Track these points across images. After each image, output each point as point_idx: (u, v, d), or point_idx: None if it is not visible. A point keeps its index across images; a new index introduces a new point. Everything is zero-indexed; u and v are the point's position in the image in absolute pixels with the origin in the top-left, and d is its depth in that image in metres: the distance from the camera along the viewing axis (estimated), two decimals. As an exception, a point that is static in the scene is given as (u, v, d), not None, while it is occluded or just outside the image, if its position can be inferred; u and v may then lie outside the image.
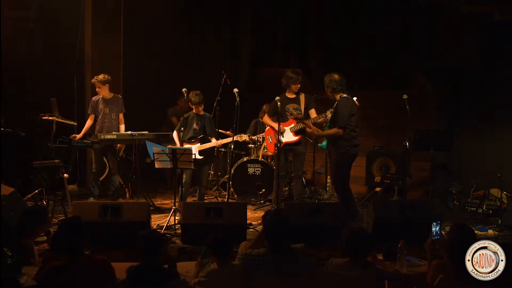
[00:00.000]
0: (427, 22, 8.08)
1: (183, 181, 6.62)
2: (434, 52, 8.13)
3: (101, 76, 7.16)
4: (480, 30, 7.73)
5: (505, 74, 7.48)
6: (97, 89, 7.22)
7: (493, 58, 7.61)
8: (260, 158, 7.63)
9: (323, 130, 6.46)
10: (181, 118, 6.82)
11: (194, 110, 6.75)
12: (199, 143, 6.71)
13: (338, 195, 6.48)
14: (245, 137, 6.95)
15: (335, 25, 8.89)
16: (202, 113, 6.78)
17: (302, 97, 6.87)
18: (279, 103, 6.44)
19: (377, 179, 7.85)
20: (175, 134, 6.84)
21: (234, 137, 6.87)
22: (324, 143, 6.40)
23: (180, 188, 6.49)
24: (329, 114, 6.36)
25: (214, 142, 6.78)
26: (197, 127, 6.74)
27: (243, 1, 9.69)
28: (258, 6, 9.59)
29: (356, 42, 8.74)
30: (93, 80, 7.24)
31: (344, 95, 6.16)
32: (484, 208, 6.83)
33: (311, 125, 6.41)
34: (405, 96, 6.46)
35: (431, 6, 7.88)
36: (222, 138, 7.07)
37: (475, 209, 6.96)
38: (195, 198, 7.11)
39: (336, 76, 6.18)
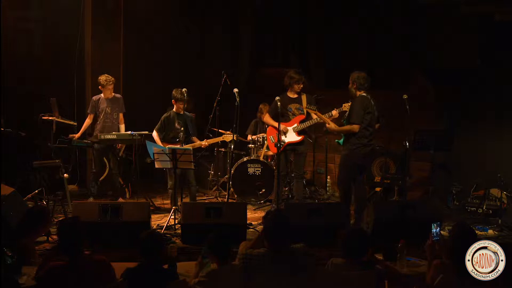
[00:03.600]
0: (427, 22, 8.07)
1: (168, 186, 6.59)
2: (434, 52, 8.12)
3: (111, 77, 7.14)
4: (480, 30, 7.73)
5: (505, 74, 7.48)
6: (105, 89, 7.15)
7: (493, 58, 7.60)
8: (261, 158, 7.62)
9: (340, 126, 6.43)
10: (162, 118, 6.78)
11: (174, 109, 6.73)
12: (182, 144, 6.66)
13: (339, 192, 6.50)
14: (231, 137, 6.90)
15: (335, 25, 8.88)
16: (182, 112, 6.74)
17: (303, 97, 6.88)
18: (279, 103, 6.44)
19: (377, 179, 7.85)
20: (155, 134, 6.78)
21: (222, 137, 6.88)
22: (342, 140, 6.40)
23: (169, 192, 6.45)
24: (345, 108, 6.37)
25: (200, 143, 6.74)
26: (179, 127, 6.70)
27: (243, 1, 9.69)
28: (258, 6, 9.59)
29: (356, 42, 8.73)
30: (102, 82, 7.14)
31: (364, 94, 6.17)
32: (484, 208, 6.83)
33: (329, 120, 6.39)
34: (405, 96, 6.46)
35: (431, 6, 7.88)
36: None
37: (475, 209, 6.97)
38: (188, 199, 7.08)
39: (364, 74, 6.20)
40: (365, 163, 6.31)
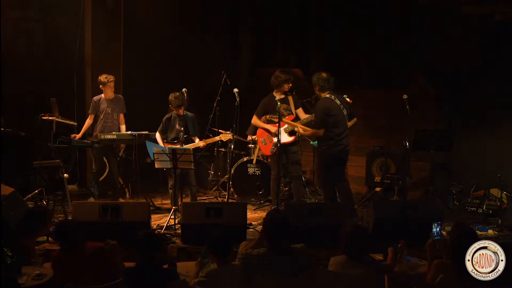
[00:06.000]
0: (427, 22, 8.07)
1: (169, 185, 6.60)
2: (434, 52, 8.11)
3: (111, 75, 7.15)
4: (480, 30, 7.72)
5: (505, 74, 7.47)
6: (106, 87, 7.15)
7: (493, 58, 7.60)
8: (254, 161, 7.59)
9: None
10: (164, 119, 6.82)
11: (174, 111, 6.76)
12: (182, 144, 6.67)
13: (323, 195, 6.54)
14: (229, 136, 6.91)
15: (335, 25, 8.87)
16: (183, 113, 6.77)
17: (290, 98, 6.86)
18: (279, 103, 6.41)
19: (377, 179, 7.84)
20: (157, 135, 6.83)
21: (219, 136, 6.89)
22: (316, 142, 6.46)
23: (170, 191, 6.45)
24: (307, 120, 6.57)
25: (198, 143, 6.75)
26: (179, 127, 6.72)
27: (243, 1, 9.68)
28: (258, 6, 9.58)
29: (356, 42, 8.72)
30: (103, 80, 7.13)
31: (327, 95, 6.16)
32: (484, 208, 6.83)
33: (298, 125, 6.50)
34: (405, 96, 6.46)
35: (431, 6, 7.87)
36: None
37: (475, 209, 6.96)
38: (188, 199, 7.07)
39: (324, 75, 6.20)
40: (337, 163, 6.18)
